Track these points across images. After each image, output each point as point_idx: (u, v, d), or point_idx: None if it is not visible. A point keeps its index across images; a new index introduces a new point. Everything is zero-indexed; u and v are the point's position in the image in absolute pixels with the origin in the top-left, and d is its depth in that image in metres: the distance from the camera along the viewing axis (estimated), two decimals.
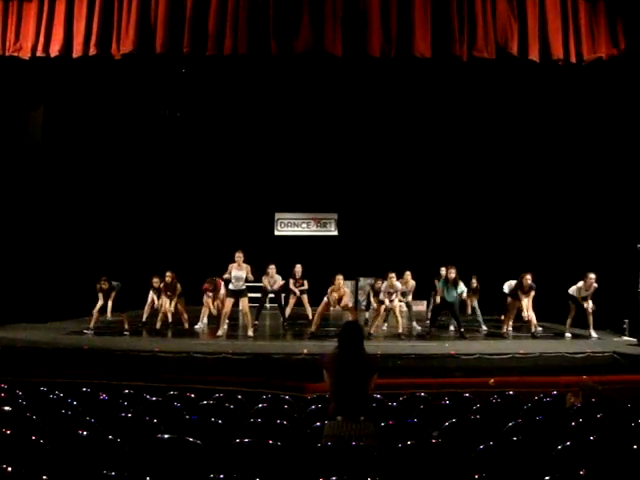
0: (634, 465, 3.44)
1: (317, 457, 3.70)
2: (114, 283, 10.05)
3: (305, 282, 11.25)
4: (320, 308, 9.89)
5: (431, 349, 8.82)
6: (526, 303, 9.89)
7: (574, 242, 11.20)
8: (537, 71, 9.86)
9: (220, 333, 9.72)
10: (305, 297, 11.38)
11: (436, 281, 10.56)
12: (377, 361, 4.38)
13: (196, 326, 10.71)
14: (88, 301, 10.21)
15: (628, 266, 9.75)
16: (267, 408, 5.07)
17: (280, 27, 9.03)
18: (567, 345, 9.23)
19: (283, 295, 11.54)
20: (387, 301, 9.98)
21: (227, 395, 5.59)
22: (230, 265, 9.75)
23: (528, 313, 9.90)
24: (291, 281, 11.36)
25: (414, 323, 11.18)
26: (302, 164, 15.15)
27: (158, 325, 10.26)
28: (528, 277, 9.82)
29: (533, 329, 9.99)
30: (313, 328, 9.97)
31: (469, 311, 11.12)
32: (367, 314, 11.46)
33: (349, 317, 9.91)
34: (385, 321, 11.05)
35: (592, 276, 9.56)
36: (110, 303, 10.04)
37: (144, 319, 10.55)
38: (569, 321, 9.99)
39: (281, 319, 11.28)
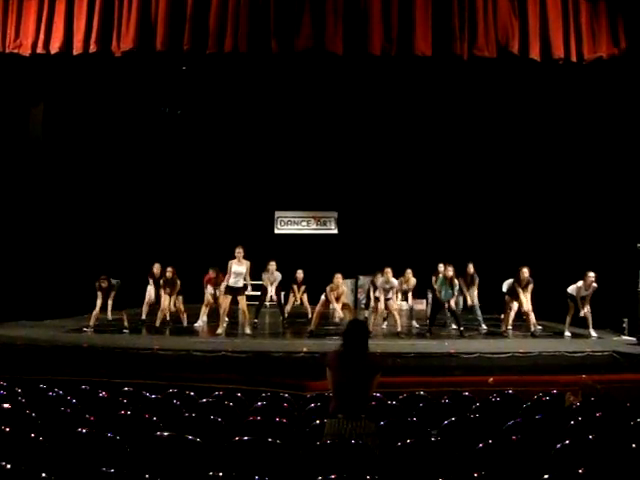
0: (633, 464, 3.44)
1: (316, 455, 3.70)
2: (113, 281, 10.05)
3: (304, 287, 11.38)
4: (319, 307, 9.90)
5: (431, 348, 8.83)
6: (525, 301, 9.91)
7: (574, 241, 11.20)
8: (538, 70, 9.85)
9: (220, 331, 9.72)
10: (304, 296, 11.43)
11: (434, 278, 10.55)
12: (381, 361, 4.33)
13: (196, 324, 10.70)
14: (87, 299, 10.21)
15: (628, 265, 9.75)
16: (266, 406, 5.07)
17: (281, 25, 9.03)
18: (566, 344, 9.24)
19: (283, 293, 11.56)
20: (382, 298, 9.97)
21: (226, 393, 5.58)
22: (230, 262, 9.76)
23: (527, 310, 9.93)
24: (295, 287, 11.51)
25: (414, 322, 11.19)
26: (302, 162, 15.16)
27: (157, 323, 10.27)
28: (525, 270, 9.84)
29: (532, 328, 9.98)
30: (312, 326, 10.00)
31: (469, 302, 10.94)
32: (366, 312, 11.46)
33: (347, 315, 9.92)
34: (385, 320, 11.05)
35: (591, 275, 9.55)
36: (110, 302, 10.05)
37: (143, 317, 10.55)
38: (568, 320, 9.98)
39: (280, 317, 11.29)
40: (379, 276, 10.16)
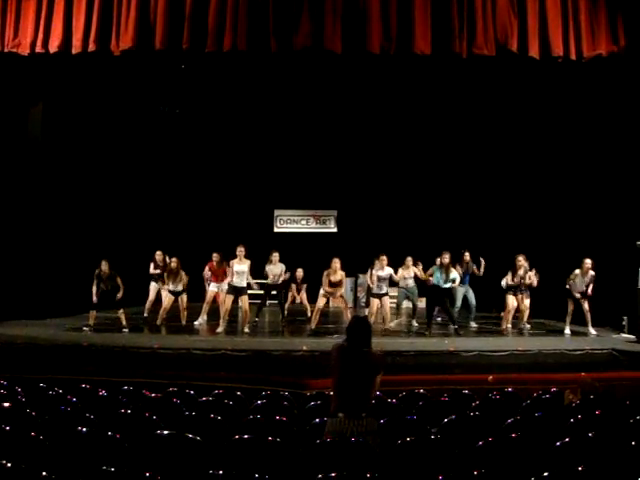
0: (632, 461, 3.45)
1: (316, 453, 3.71)
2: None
3: (304, 286, 11.37)
4: (318, 304, 9.92)
5: (430, 346, 8.84)
6: (525, 301, 9.98)
7: (573, 239, 11.20)
8: (537, 68, 9.85)
9: (220, 330, 9.73)
10: (304, 294, 11.45)
11: (430, 270, 10.50)
12: (383, 360, 4.30)
13: (196, 322, 10.70)
14: (87, 298, 10.19)
15: (627, 263, 9.76)
16: (266, 404, 5.08)
17: (280, 24, 9.02)
18: (566, 342, 9.26)
19: (282, 292, 11.56)
20: (374, 286, 9.98)
21: (226, 392, 5.59)
22: (231, 261, 9.78)
23: (525, 307, 10.07)
24: (293, 286, 11.58)
25: (413, 321, 11.19)
26: (301, 161, 15.16)
27: (159, 321, 10.26)
28: (520, 258, 9.91)
29: (521, 325, 10.09)
30: (312, 325, 10.01)
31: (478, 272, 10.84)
32: (367, 310, 11.46)
33: (345, 313, 9.96)
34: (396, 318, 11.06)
35: (588, 261, 9.61)
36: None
37: (145, 314, 10.54)
38: (568, 318, 10.00)
39: (280, 316, 11.29)
40: (376, 263, 10.12)
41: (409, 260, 10.71)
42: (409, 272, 10.70)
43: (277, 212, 16.20)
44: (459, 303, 10.93)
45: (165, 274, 10.31)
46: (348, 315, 9.88)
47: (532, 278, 9.93)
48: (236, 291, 9.77)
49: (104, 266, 9.75)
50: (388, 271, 9.96)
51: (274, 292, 10.93)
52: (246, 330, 9.84)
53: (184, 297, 10.42)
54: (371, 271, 10.18)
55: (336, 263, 9.72)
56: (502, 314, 10.61)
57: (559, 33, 9.07)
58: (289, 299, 11.70)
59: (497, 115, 13.75)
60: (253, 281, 10.18)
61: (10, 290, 10.72)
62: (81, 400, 4.95)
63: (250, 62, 10.68)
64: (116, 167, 13.52)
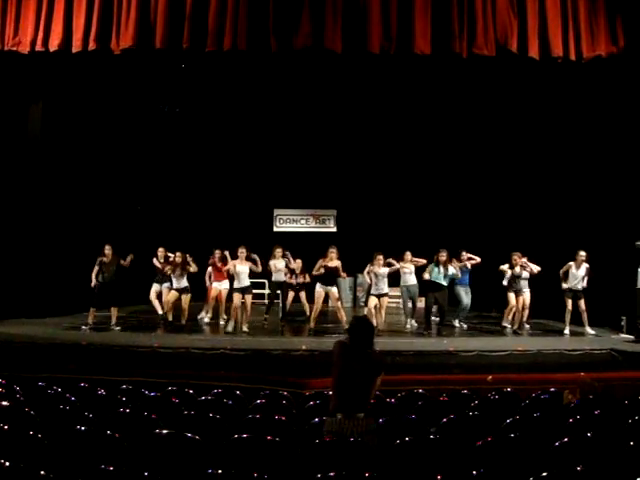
0: (631, 461, 3.45)
1: (315, 453, 3.71)
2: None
3: (307, 276, 11.28)
4: (316, 302, 9.92)
5: (429, 346, 8.85)
6: (526, 301, 10.03)
7: (573, 239, 11.19)
8: (537, 68, 9.85)
9: (230, 329, 9.79)
10: (303, 293, 11.42)
11: (429, 267, 10.48)
12: (384, 361, 4.29)
13: (200, 316, 10.79)
14: (87, 297, 10.19)
15: (626, 263, 9.77)
16: (265, 404, 5.08)
17: (280, 23, 9.02)
18: (565, 342, 9.26)
19: (280, 293, 11.53)
20: (369, 280, 10.00)
21: (225, 391, 5.59)
22: (233, 261, 9.80)
23: (524, 307, 10.09)
24: (292, 281, 11.48)
25: (412, 321, 11.18)
26: (301, 160, 15.15)
27: (170, 317, 10.29)
28: (515, 257, 9.96)
29: (516, 325, 10.16)
30: (312, 324, 10.02)
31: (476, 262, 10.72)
32: (366, 310, 11.45)
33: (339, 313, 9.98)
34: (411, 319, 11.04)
35: (582, 253, 9.68)
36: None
37: (160, 312, 10.52)
38: (567, 317, 9.99)
39: (280, 315, 11.28)
40: (374, 262, 10.10)
41: (408, 255, 10.71)
42: (409, 266, 10.67)
43: (277, 211, 16.19)
44: (466, 301, 10.82)
45: (169, 268, 10.28)
46: (342, 315, 9.91)
47: (529, 265, 9.97)
48: (242, 291, 9.84)
49: (107, 250, 9.78)
50: (385, 270, 9.97)
51: (278, 291, 10.96)
52: (244, 329, 9.84)
53: (186, 296, 10.36)
54: (369, 267, 10.19)
55: (332, 253, 9.83)
56: (506, 310, 10.56)
57: (559, 34, 9.08)
58: (289, 298, 11.65)
59: (497, 115, 13.74)
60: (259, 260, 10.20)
61: (9, 289, 10.72)
62: (80, 399, 4.95)
63: (250, 62, 10.68)
64: (116, 166, 13.52)
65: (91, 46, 9.16)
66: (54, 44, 9.24)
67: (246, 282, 9.87)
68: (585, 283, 9.76)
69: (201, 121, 15.21)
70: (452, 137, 14.71)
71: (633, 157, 10.21)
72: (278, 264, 10.53)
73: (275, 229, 16.06)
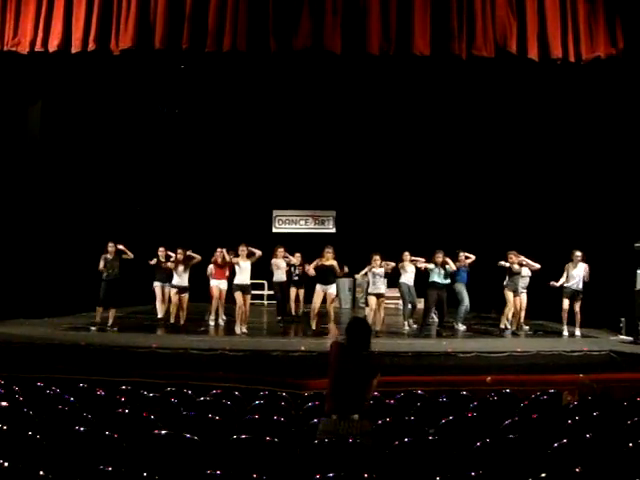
0: (630, 463, 3.45)
1: (314, 454, 3.70)
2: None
3: (307, 266, 11.22)
4: (315, 302, 9.93)
5: (428, 347, 8.83)
6: (523, 302, 9.99)
7: (572, 240, 11.19)
8: (536, 70, 9.86)
9: (238, 330, 9.77)
10: (302, 293, 11.42)
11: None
12: (380, 362, 4.27)
13: (215, 322, 10.80)
14: (86, 297, 10.19)
15: (626, 265, 9.77)
16: (264, 405, 5.08)
17: (279, 24, 9.03)
18: (564, 343, 9.26)
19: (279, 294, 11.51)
20: (364, 278, 9.94)
21: (224, 392, 5.59)
22: (236, 258, 9.82)
23: (521, 308, 10.12)
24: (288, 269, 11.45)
25: (411, 321, 11.17)
26: (300, 161, 15.16)
27: (172, 319, 10.28)
28: (511, 255, 9.97)
29: (514, 327, 10.20)
30: (312, 324, 10.01)
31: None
32: (367, 310, 11.44)
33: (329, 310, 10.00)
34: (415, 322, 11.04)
35: (578, 253, 9.70)
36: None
37: (160, 316, 10.51)
38: (564, 315, 9.96)
39: (278, 316, 11.27)
40: (372, 262, 10.10)
41: (407, 255, 10.71)
42: (409, 266, 10.68)
43: (276, 212, 16.20)
44: (467, 300, 10.81)
45: (172, 262, 10.28)
46: (331, 312, 9.95)
47: (527, 261, 9.99)
48: (242, 289, 9.83)
49: (110, 247, 9.87)
50: (382, 270, 9.99)
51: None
52: (244, 330, 9.84)
53: (185, 296, 10.36)
54: (367, 269, 10.19)
55: (328, 253, 9.92)
56: (504, 311, 10.55)
57: (558, 35, 9.09)
58: (292, 297, 11.62)
59: (496, 116, 13.75)
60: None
61: (8, 289, 10.70)
62: (79, 399, 4.95)
63: (250, 62, 10.67)
64: (115, 167, 13.50)
65: (90, 46, 9.17)
66: (53, 44, 9.24)
67: (247, 280, 9.87)
68: (581, 285, 9.74)
69: (200, 122, 15.22)
70: (451, 138, 14.73)
71: (632, 158, 10.21)
72: (280, 263, 10.59)
73: (274, 230, 16.07)
